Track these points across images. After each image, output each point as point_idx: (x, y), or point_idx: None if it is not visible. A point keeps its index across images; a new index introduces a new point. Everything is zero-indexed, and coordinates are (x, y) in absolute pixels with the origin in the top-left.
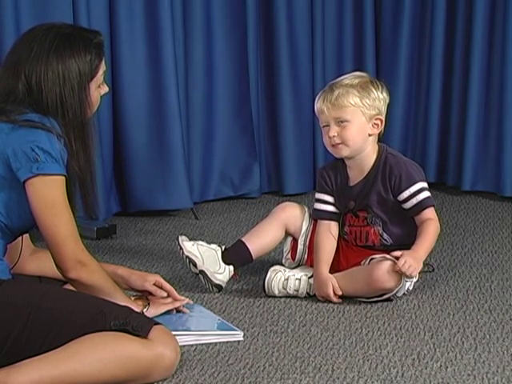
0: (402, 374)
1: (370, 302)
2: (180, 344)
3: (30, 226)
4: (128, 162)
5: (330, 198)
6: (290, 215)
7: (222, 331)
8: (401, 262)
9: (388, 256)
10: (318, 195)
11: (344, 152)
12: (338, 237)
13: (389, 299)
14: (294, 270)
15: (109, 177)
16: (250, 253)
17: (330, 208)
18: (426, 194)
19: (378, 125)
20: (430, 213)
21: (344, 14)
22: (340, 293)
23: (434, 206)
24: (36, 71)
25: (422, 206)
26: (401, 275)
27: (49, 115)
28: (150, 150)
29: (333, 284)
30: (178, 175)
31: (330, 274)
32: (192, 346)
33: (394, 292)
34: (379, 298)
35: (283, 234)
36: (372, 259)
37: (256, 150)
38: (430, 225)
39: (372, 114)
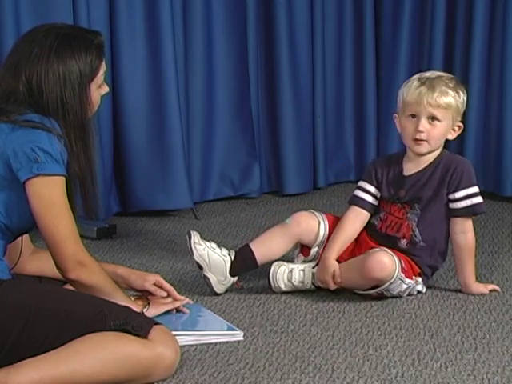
0: (402, 374)
1: (365, 296)
2: (180, 344)
3: (30, 226)
4: (128, 162)
5: (372, 189)
6: (306, 229)
7: (222, 331)
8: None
9: (384, 248)
10: (362, 183)
11: (424, 149)
12: (361, 232)
13: (383, 295)
14: (297, 263)
15: (109, 177)
16: (256, 263)
17: (369, 198)
18: (480, 199)
19: (455, 130)
20: (469, 224)
21: (344, 13)
22: (339, 280)
23: (482, 213)
24: (36, 72)
25: (473, 210)
26: (393, 266)
27: (49, 116)
28: (150, 150)
29: (334, 271)
30: (178, 175)
31: (335, 262)
32: (192, 345)
33: (387, 285)
34: (372, 291)
35: (293, 246)
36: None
37: (256, 150)
38: (469, 245)
39: (457, 118)
